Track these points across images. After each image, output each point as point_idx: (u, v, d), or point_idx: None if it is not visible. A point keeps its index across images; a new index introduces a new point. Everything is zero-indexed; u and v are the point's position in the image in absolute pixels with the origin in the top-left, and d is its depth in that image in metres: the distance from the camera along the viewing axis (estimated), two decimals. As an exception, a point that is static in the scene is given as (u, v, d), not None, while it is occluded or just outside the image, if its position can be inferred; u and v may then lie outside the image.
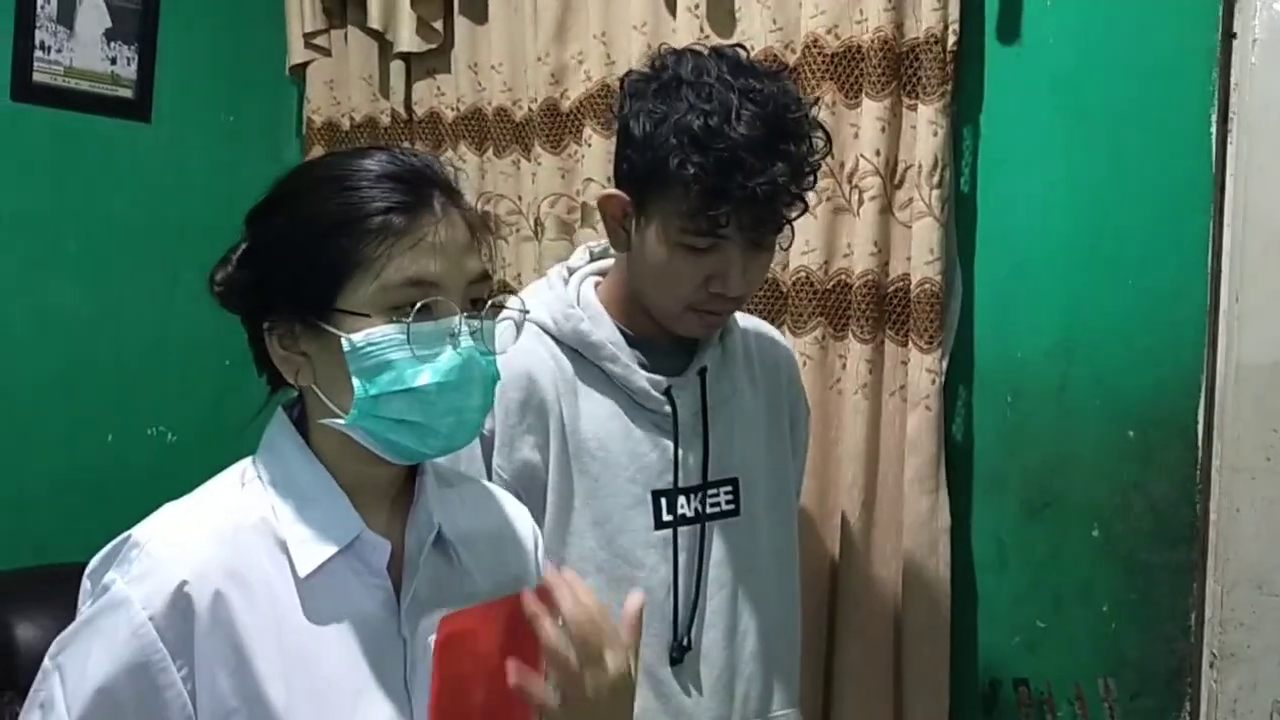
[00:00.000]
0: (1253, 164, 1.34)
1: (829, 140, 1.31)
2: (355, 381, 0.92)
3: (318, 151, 2.31)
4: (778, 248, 1.32)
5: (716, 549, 1.34)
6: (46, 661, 0.93)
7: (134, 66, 2.20)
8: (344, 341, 0.92)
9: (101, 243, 2.19)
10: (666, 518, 1.31)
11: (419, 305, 0.92)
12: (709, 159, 1.18)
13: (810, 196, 1.66)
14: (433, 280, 0.93)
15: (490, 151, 2.09)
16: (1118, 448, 1.58)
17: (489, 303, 0.98)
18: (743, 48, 1.29)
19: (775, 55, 1.74)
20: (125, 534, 0.96)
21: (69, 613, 1.82)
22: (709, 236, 1.22)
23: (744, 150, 1.17)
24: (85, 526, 2.07)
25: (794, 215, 1.27)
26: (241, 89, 2.37)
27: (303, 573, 0.94)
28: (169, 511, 0.98)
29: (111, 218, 2.21)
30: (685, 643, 1.31)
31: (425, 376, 0.92)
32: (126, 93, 2.20)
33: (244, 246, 1.00)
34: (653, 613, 1.29)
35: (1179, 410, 1.52)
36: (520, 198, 2.06)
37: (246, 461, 1.02)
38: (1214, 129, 1.48)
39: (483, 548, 1.07)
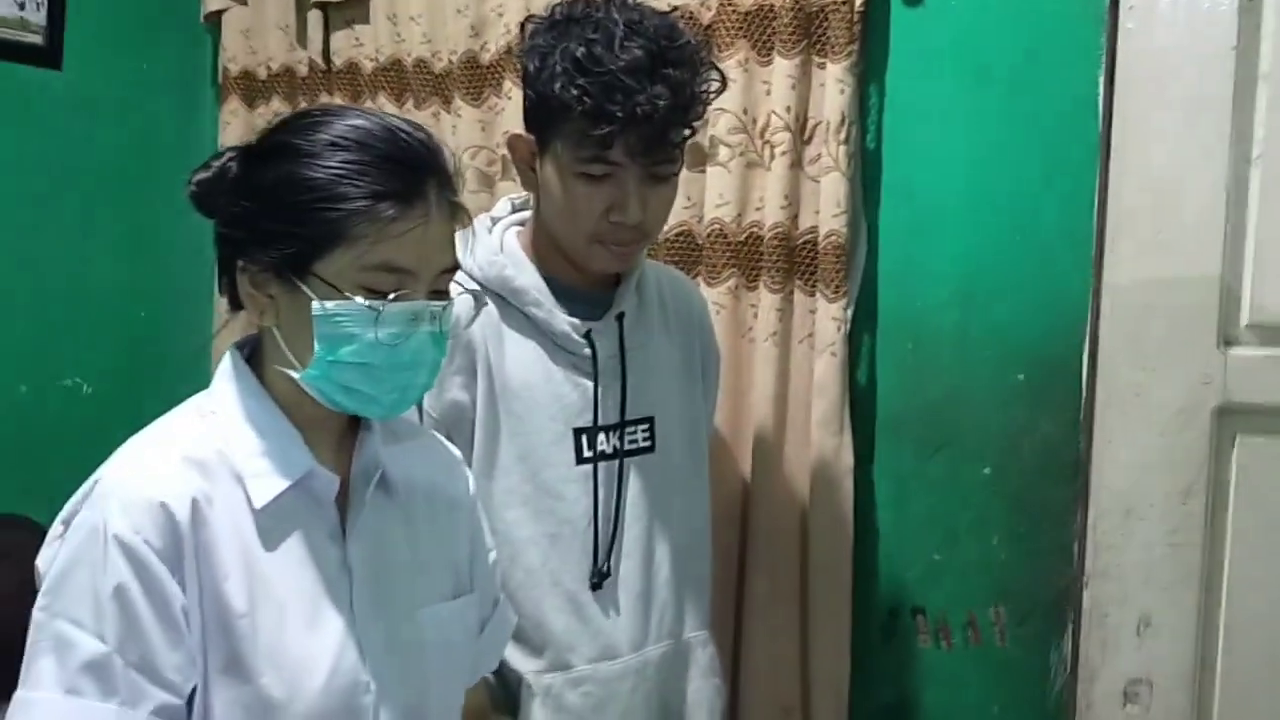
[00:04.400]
0: (1129, 115, 1.44)
1: (724, 80, 1.37)
2: (317, 344, 0.97)
3: (235, 102, 2.29)
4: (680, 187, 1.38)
5: (634, 483, 1.41)
6: (38, 614, 0.95)
7: (44, 12, 2.15)
8: (315, 306, 0.96)
9: (13, 192, 2.16)
10: (587, 454, 1.38)
11: (399, 291, 0.96)
12: (591, 82, 1.24)
13: (724, 151, 1.76)
14: (409, 270, 0.97)
15: (410, 103, 2.10)
16: (1009, 391, 1.69)
17: (449, 291, 1.02)
18: None
19: (691, 13, 1.79)
20: (93, 478, 0.99)
21: None
22: (601, 163, 1.28)
23: (624, 73, 1.24)
24: (1, 477, 2.07)
25: (683, 139, 1.32)
26: (155, 37, 2.33)
27: (258, 504, 0.99)
28: (134, 446, 1.02)
29: (23, 167, 2.17)
30: (605, 569, 1.38)
31: (383, 356, 0.97)
32: (36, 39, 2.15)
33: (236, 172, 1.01)
34: (574, 542, 1.37)
35: (1065, 354, 1.62)
36: (441, 150, 2.08)
37: (201, 396, 1.06)
38: (1101, 87, 1.56)
39: (420, 491, 1.13)
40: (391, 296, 0.96)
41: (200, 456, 0.99)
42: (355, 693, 1.01)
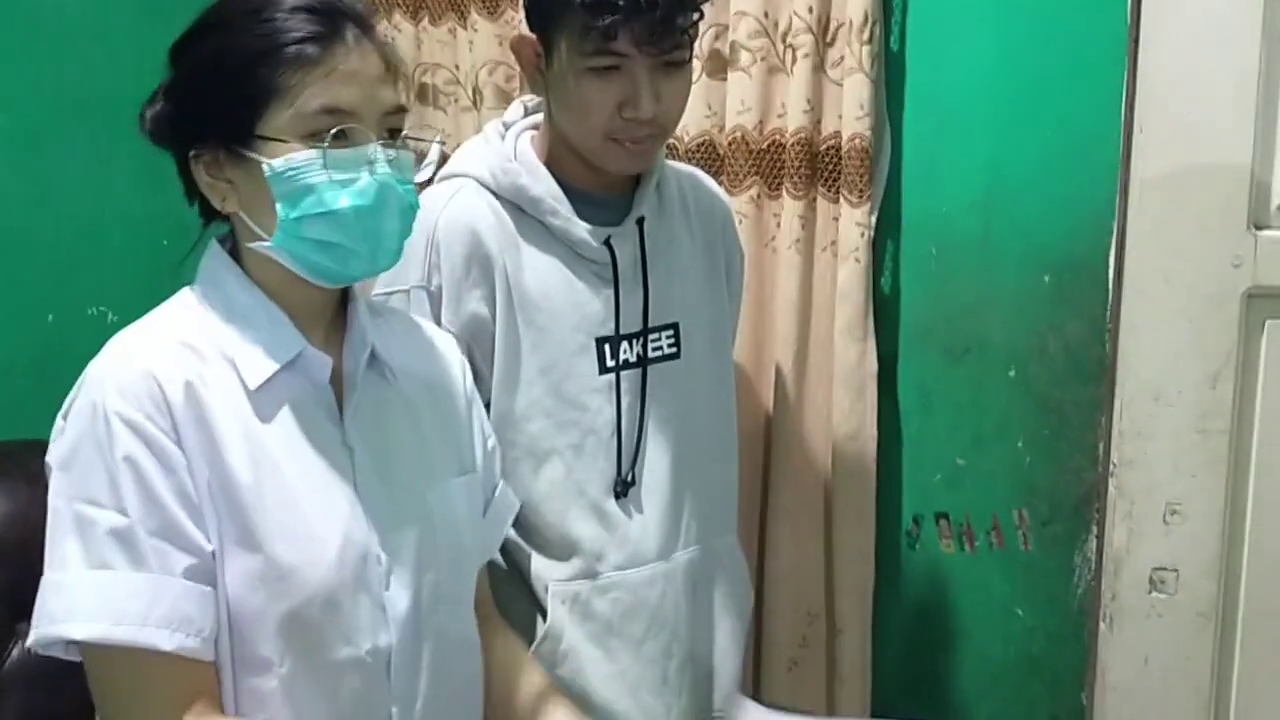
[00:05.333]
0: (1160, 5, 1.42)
1: None
2: (278, 205, 0.98)
3: (249, 25, 2.28)
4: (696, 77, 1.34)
5: (659, 390, 1.40)
6: (54, 500, 0.97)
7: (54, -66, 2.14)
8: (265, 166, 0.97)
9: (30, 119, 2.15)
10: (610, 363, 1.37)
11: (334, 131, 0.97)
12: None
13: (745, 56, 1.73)
14: (347, 109, 0.98)
15: (426, 20, 2.08)
16: (1035, 293, 1.68)
17: (404, 133, 1.03)
18: None
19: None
20: (86, 371, 1.00)
21: (11, 490, 1.79)
22: (608, 55, 1.24)
23: None
24: (27, 406, 2.09)
25: (691, 25, 1.27)
26: (168, -42, 2.32)
27: (252, 385, 1.00)
28: (123, 336, 1.02)
29: (38, 93, 2.16)
30: (630, 478, 1.38)
31: (344, 200, 0.98)
32: (47, -37, 2.14)
33: (168, 81, 1.04)
34: (598, 451, 1.36)
35: (1091, 253, 1.61)
36: (458, 67, 2.06)
37: (186, 290, 1.07)
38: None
39: (412, 367, 1.15)
40: (334, 133, 0.97)
41: (191, 341, 1.00)
42: (367, 564, 1.03)
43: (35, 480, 1.73)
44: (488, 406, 1.35)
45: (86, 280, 2.24)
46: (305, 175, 0.97)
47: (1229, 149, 1.38)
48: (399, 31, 2.10)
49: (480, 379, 1.35)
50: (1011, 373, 1.70)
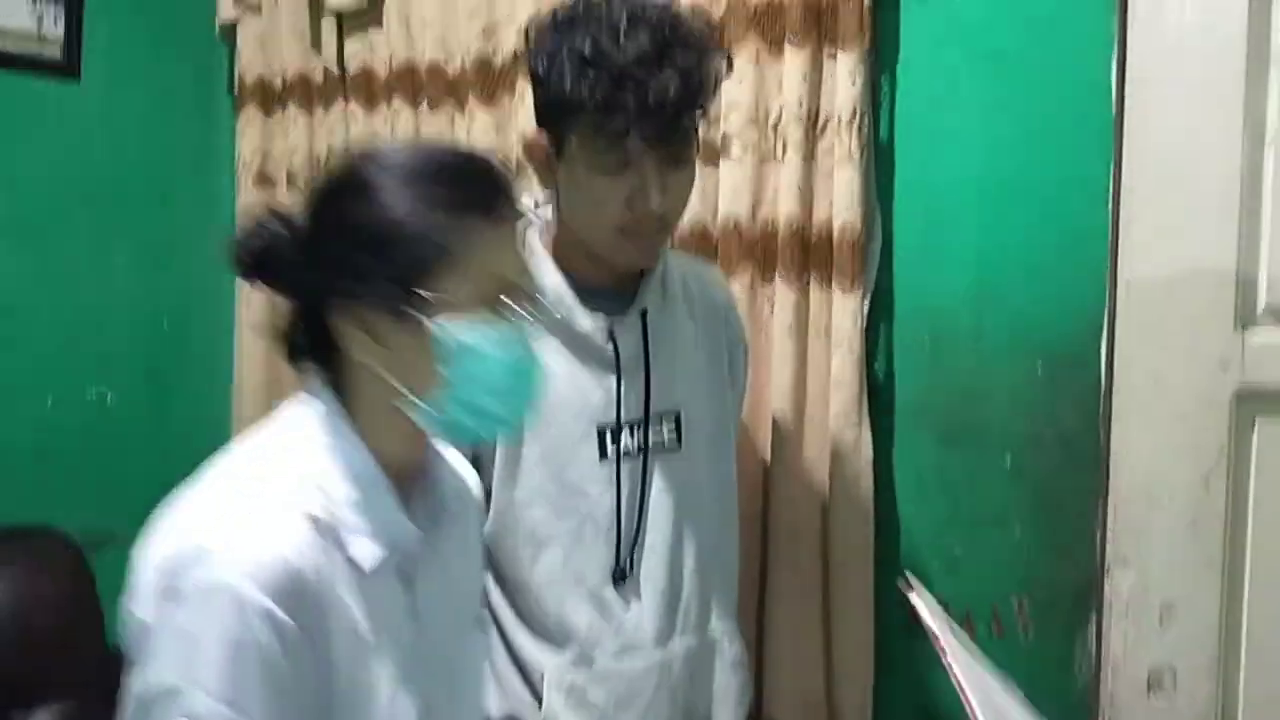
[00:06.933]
0: (1140, 101, 1.44)
1: (730, 60, 1.39)
2: (442, 368, 0.95)
3: (251, 110, 2.31)
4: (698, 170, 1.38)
5: (659, 479, 1.41)
6: (164, 678, 0.88)
7: (60, 24, 2.18)
8: (436, 329, 0.95)
9: (34, 204, 2.18)
10: (610, 450, 1.38)
11: (502, 299, 0.96)
12: (600, 77, 1.24)
13: (736, 146, 1.76)
14: (511, 280, 0.98)
15: (424, 107, 2.11)
16: (1028, 382, 1.67)
17: (526, 301, 1.01)
18: None
19: (701, 7, 1.79)
20: (186, 536, 0.93)
21: (10, 575, 1.74)
22: (618, 154, 1.28)
23: (632, 65, 1.24)
24: (26, 489, 2.10)
25: (697, 124, 1.31)
26: (171, 47, 2.35)
27: (367, 570, 0.97)
28: (244, 500, 0.96)
29: (43, 178, 2.19)
30: (628, 565, 1.38)
31: (509, 372, 0.97)
32: (54, 51, 2.18)
33: (307, 231, 1.00)
34: (597, 539, 1.37)
35: (1084, 343, 1.60)
36: (455, 153, 2.09)
37: (290, 442, 1.01)
38: (1114, 74, 1.55)
39: (454, 516, 1.13)
40: (502, 301, 0.96)
41: (315, 514, 0.96)
42: None
43: (34, 566, 1.72)
44: (489, 493, 1.36)
45: (86, 363, 2.26)
46: (476, 340, 0.95)
47: (1214, 250, 1.40)
48: (398, 117, 2.14)
49: (482, 468, 1.35)
50: (1007, 461, 1.70)
